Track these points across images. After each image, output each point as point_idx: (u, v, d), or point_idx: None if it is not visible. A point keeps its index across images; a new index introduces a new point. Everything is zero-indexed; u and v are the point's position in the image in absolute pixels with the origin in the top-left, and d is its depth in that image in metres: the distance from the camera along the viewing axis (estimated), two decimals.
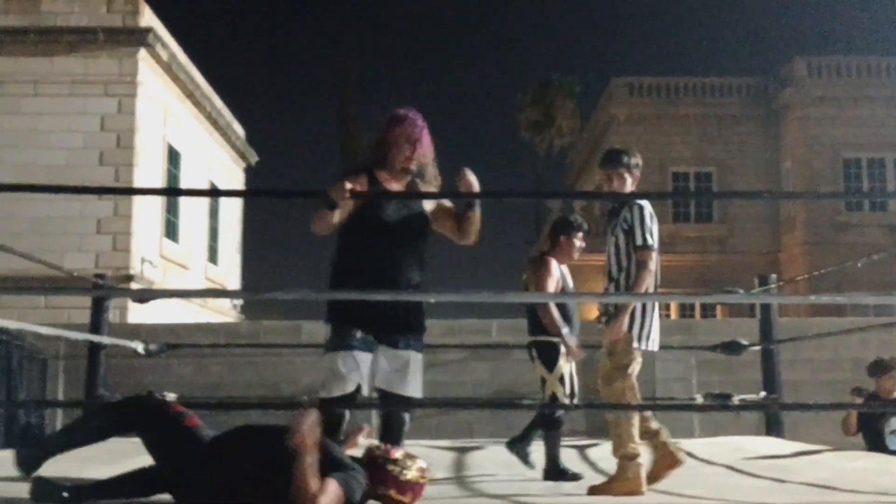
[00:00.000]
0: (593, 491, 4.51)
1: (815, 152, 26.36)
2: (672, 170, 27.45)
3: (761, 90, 27.85)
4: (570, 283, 5.94)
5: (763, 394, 8.20)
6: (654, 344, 4.66)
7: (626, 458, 4.49)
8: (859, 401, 7.66)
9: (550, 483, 5.15)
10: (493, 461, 6.16)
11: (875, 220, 25.41)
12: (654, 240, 4.58)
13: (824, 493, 4.50)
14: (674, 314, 24.68)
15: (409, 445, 7.15)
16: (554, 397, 5.53)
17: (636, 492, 4.42)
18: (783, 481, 4.74)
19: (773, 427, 8.17)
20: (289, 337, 9.72)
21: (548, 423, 5.56)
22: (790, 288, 20.09)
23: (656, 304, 4.77)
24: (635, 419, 4.55)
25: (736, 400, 7.83)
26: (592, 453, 6.80)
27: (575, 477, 5.27)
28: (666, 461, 4.68)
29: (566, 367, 5.61)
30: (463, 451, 6.81)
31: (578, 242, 5.89)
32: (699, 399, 8.42)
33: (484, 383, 9.85)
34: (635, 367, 4.64)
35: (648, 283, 4.53)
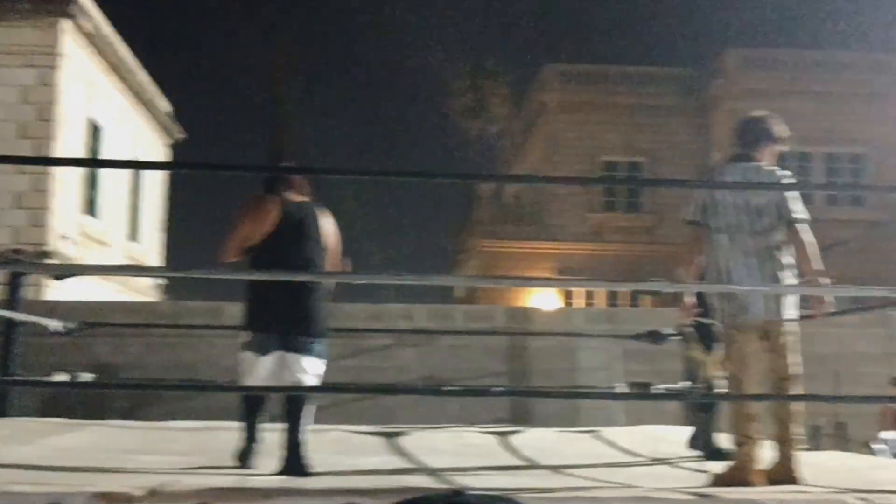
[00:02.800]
0: (715, 481, 4.38)
1: None
2: (603, 159, 27.60)
3: (693, 81, 28.13)
4: None
5: (686, 383, 8.24)
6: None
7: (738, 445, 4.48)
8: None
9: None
10: (417, 447, 6.08)
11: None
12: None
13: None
14: (600, 303, 24.91)
15: (330, 430, 7.05)
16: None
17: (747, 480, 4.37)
18: (702, 471, 4.73)
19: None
20: (210, 318, 9.52)
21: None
22: None
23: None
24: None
25: (657, 389, 7.85)
26: (514, 440, 6.77)
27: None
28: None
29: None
30: (389, 436, 6.71)
31: None
32: (621, 388, 8.42)
33: (408, 369, 9.75)
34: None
35: None
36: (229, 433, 5.08)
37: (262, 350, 4.72)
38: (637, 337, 8.59)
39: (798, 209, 4.64)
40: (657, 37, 33.14)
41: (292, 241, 4.75)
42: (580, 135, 27.61)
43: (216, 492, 3.38)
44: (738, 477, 4.34)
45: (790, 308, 4.61)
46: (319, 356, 4.81)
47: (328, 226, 4.97)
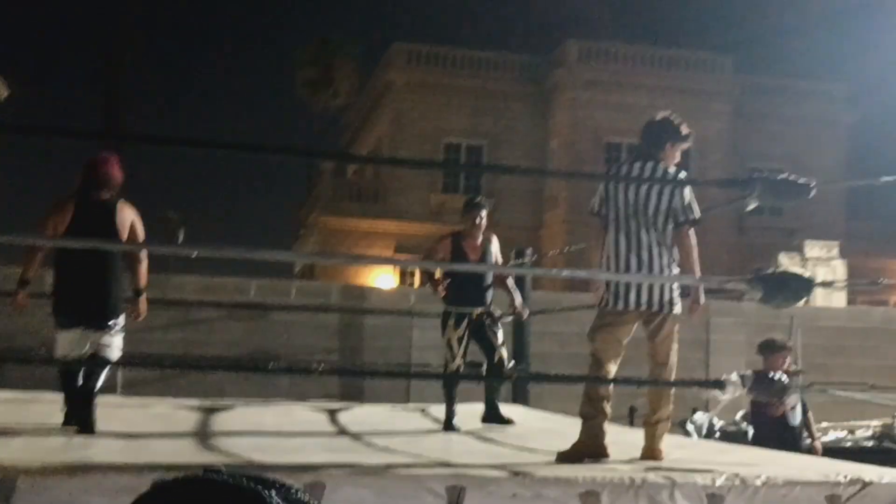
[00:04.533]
0: (562, 457, 4.52)
1: (580, 135, 27.50)
2: (445, 141, 27.84)
3: (536, 69, 28.68)
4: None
5: (512, 363, 8.46)
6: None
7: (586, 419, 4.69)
8: None
9: None
10: (240, 422, 6.02)
11: None
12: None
13: (550, 455, 4.69)
14: None
15: (156, 403, 6.88)
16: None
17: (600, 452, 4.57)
18: (527, 448, 4.88)
19: (519, 396, 8.47)
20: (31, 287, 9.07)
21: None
22: (550, 263, 20.88)
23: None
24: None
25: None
26: (343, 416, 6.79)
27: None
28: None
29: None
30: (213, 411, 6.61)
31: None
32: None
33: (237, 343, 9.62)
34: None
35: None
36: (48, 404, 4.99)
37: (66, 326, 5.50)
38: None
39: (690, 211, 4.89)
40: (504, 22, 33.51)
41: (85, 237, 5.44)
42: (424, 115, 27.72)
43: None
44: (586, 451, 4.53)
45: (676, 303, 4.85)
46: (116, 330, 5.56)
47: (127, 219, 5.62)
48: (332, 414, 6.87)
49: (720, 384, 4.11)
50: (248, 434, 5.58)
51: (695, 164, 27.68)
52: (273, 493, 1.09)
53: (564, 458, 4.48)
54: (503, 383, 6.85)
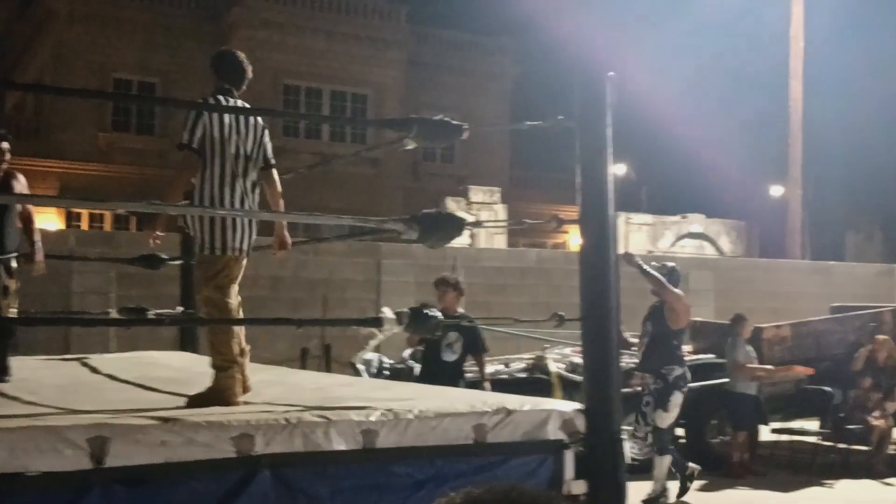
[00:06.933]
0: (192, 402, 4.33)
1: (258, 76, 26.88)
2: (114, 76, 26.26)
3: (211, 6, 27.72)
4: None
5: (180, 309, 8.19)
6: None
7: (221, 370, 4.50)
8: None
9: None
10: None
11: (309, 147, 26.73)
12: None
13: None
14: (109, 227, 23.93)
15: None
16: None
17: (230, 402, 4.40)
18: (184, 395, 4.73)
19: (187, 342, 8.24)
20: None
21: None
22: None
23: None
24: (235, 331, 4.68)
25: (152, 314, 7.70)
26: None
27: None
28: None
29: None
30: None
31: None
32: (113, 313, 8.15)
33: None
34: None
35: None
36: None
37: None
38: (133, 261, 8.33)
39: (270, 152, 4.95)
40: None
41: None
42: (91, 49, 25.95)
43: None
44: (220, 398, 4.41)
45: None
46: None
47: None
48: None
49: (377, 322, 4.19)
50: None
51: (371, 110, 28.19)
52: None
53: (193, 403, 4.37)
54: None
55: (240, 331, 4.85)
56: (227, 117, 4.77)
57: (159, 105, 32.89)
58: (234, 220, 4.74)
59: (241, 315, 5.06)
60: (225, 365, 4.58)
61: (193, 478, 3.31)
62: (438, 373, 8.02)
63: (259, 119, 4.97)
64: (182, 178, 4.83)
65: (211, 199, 4.71)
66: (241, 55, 5.13)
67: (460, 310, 8.62)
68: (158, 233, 5.06)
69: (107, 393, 5.09)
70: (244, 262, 4.87)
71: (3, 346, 5.91)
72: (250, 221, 4.84)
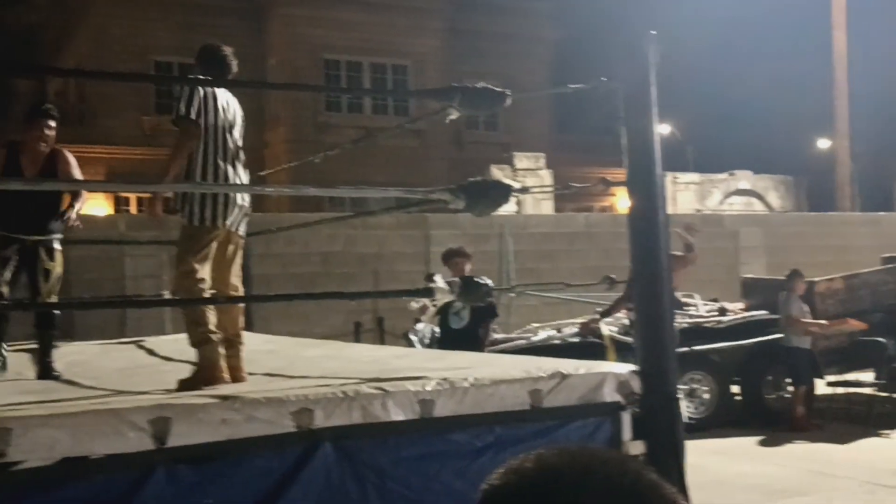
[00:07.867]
0: (180, 388, 4.26)
1: (298, 51, 27.03)
2: (154, 58, 26.43)
3: None
4: None
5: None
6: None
7: (202, 343, 4.50)
8: None
9: None
10: None
11: (352, 122, 26.77)
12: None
13: (265, 378, 4.65)
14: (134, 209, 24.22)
15: None
16: None
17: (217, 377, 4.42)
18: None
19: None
20: None
21: None
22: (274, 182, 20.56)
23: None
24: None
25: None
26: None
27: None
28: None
29: None
30: None
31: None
32: (167, 295, 8.27)
33: None
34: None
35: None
36: None
37: None
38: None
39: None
40: None
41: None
42: (131, 32, 26.14)
43: None
44: (204, 378, 4.42)
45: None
46: None
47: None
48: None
49: (429, 292, 4.20)
50: None
51: (412, 81, 28.08)
52: None
53: (184, 387, 4.32)
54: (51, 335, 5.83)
55: (237, 315, 4.88)
56: (219, 96, 4.84)
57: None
58: (225, 195, 4.74)
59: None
60: (205, 338, 4.56)
61: (255, 454, 3.35)
62: (447, 341, 8.00)
63: (236, 100, 5.02)
64: (184, 149, 4.78)
65: (207, 172, 4.75)
66: (228, 49, 5.09)
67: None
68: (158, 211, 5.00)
69: (165, 374, 5.16)
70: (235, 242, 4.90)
71: (49, 339, 5.76)
72: (242, 197, 4.85)
